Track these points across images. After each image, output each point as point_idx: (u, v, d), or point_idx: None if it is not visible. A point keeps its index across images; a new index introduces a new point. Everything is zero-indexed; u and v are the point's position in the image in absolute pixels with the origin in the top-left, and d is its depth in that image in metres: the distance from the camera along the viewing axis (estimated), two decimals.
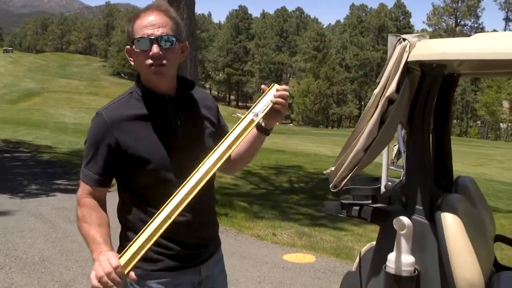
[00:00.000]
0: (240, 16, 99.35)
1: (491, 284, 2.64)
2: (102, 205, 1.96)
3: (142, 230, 1.74)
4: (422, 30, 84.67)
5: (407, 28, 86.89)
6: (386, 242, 2.18)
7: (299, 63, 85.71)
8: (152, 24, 1.84)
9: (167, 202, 1.78)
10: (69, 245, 5.97)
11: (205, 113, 2.09)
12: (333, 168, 2.20)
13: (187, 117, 1.98)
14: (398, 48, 2.02)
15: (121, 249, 1.91)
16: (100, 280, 1.64)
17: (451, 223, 2.04)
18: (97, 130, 1.89)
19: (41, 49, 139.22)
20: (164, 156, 1.90)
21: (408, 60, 2.02)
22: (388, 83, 2.02)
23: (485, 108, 71.39)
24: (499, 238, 3.10)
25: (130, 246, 1.73)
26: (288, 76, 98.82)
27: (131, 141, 1.87)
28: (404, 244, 2.08)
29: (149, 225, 1.75)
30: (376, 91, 2.05)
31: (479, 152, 29.99)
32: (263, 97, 1.94)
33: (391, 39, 2.20)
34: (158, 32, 1.84)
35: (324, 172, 2.29)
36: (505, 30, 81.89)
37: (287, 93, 1.93)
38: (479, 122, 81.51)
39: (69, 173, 11.12)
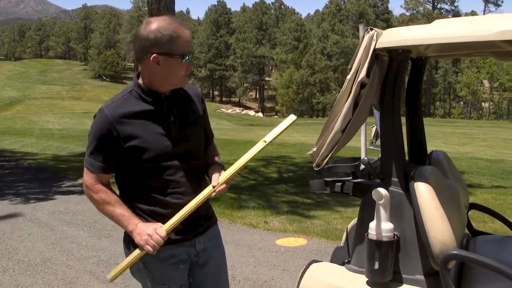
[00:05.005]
0: (220, 11, 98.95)
1: (468, 247, 2.90)
2: (110, 188, 2.22)
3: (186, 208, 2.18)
4: (401, 15, 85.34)
5: (386, 14, 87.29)
6: (367, 213, 2.40)
7: (280, 55, 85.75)
8: (189, 41, 2.14)
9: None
10: (68, 245, 6.15)
11: (195, 108, 2.35)
12: (315, 149, 2.43)
13: (179, 113, 2.24)
14: (366, 37, 2.25)
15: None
16: (153, 248, 2.07)
17: (423, 191, 2.26)
18: (100, 125, 2.13)
19: (20, 56, 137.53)
20: (160, 147, 2.16)
21: (376, 47, 2.25)
22: (359, 69, 2.25)
23: (466, 89, 72.17)
24: (473, 206, 3.35)
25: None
26: (270, 68, 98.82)
27: (131, 133, 2.12)
28: (383, 213, 2.29)
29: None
30: (348, 76, 2.28)
31: (463, 132, 30.46)
32: (279, 126, 2.29)
33: (361, 28, 2.44)
34: (191, 49, 2.17)
35: (307, 153, 2.52)
36: (484, 10, 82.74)
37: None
38: (461, 102, 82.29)
39: (59, 178, 11.24)
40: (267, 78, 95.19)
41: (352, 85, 2.27)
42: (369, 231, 2.32)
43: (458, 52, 2.80)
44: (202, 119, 2.39)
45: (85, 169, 2.21)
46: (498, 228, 5.47)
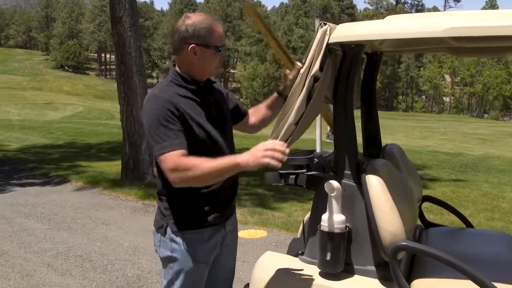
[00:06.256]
0: (185, 2, 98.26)
1: (421, 239, 2.97)
2: None
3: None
4: (365, 9, 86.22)
5: (350, 9, 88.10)
6: (320, 205, 2.43)
7: (245, 47, 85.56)
8: (223, 35, 2.33)
9: None
10: (26, 238, 6.05)
11: (221, 94, 2.55)
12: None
13: (213, 97, 2.43)
14: (320, 31, 2.27)
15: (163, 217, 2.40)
16: (281, 160, 2.03)
17: (375, 184, 2.31)
18: (163, 108, 2.21)
19: None
20: (210, 127, 2.32)
21: (329, 42, 2.28)
22: (312, 63, 2.28)
23: (428, 83, 73.56)
24: (427, 199, 3.44)
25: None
26: (235, 60, 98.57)
27: (187, 114, 2.24)
28: (335, 205, 2.33)
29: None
30: (302, 70, 2.31)
31: (424, 125, 31.05)
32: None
33: (316, 22, 2.47)
34: (224, 42, 2.34)
35: None
36: (445, 6, 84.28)
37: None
38: (423, 96, 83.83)
39: (19, 170, 11.02)
40: (232, 70, 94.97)
41: (306, 79, 2.30)
42: (322, 223, 2.36)
43: (412, 47, 2.86)
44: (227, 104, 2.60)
45: (164, 157, 2.15)
46: (455, 220, 5.58)
